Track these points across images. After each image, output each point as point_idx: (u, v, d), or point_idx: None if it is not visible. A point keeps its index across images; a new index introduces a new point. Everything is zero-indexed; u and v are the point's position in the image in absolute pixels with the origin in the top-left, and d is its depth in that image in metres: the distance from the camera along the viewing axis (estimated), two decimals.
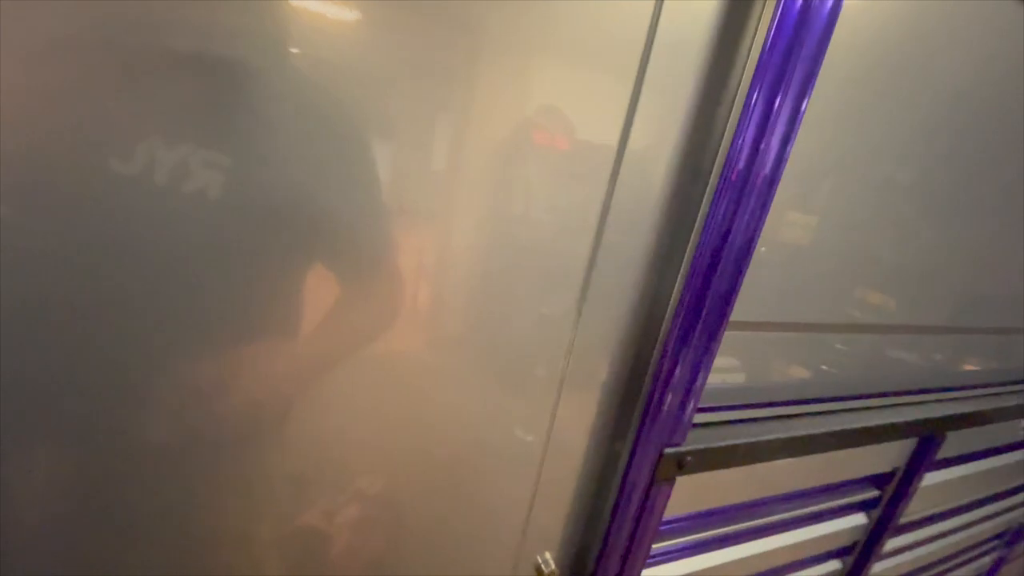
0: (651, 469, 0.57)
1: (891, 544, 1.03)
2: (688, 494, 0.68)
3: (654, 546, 0.67)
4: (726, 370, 0.65)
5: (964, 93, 0.67)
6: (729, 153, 0.48)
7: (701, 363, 0.55)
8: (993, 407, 0.95)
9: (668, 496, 0.61)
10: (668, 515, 0.66)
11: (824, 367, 0.76)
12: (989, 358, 0.99)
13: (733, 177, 0.48)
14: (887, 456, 0.90)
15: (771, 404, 0.71)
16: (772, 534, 0.85)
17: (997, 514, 1.32)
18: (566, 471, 0.59)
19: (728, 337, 0.57)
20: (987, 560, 1.48)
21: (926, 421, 0.86)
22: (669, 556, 0.71)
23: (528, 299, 0.49)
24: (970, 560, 1.40)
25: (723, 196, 0.49)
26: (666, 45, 0.46)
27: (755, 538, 0.81)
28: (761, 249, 0.58)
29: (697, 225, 0.51)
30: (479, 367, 0.50)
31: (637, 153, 0.48)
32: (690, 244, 0.51)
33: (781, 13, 0.45)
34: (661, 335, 0.54)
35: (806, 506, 0.85)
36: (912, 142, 0.65)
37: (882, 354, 0.81)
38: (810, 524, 0.88)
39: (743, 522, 0.78)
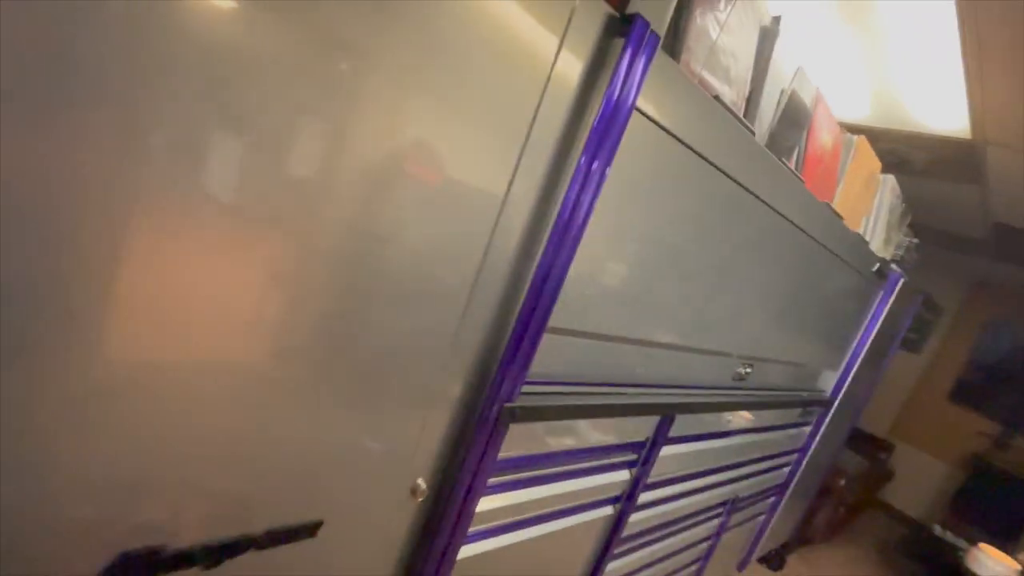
0: (495, 417, 0.91)
1: (644, 497, 1.50)
2: (516, 445, 1.03)
3: (491, 480, 1.00)
4: (547, 359, 1.02)
5: (711, 194, 1.15)
6: (562, 203, 0.85)
7: (531, 349, 0.91)
8: (706, 402, 1.48)
9: (502, 437, 0.94)
10: (503, 456, 1.00)
11: (605, 362, 1.18)
12: (707, 369, 1.53)
13: (561, 222, 0.85)
14: (641, 429, 1.36)
15: (573, 383, 1.10)
16: (566, 479, 1.24)
17: (715, 486, 1.90)
18: (439, 421, 0.90)
19: (548, 338, 0.94)
20: (714, 523, 2.09)
21: (666, 405, 1.34)
22: (501, 489, 1.04)
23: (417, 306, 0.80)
24: (700, 523, 1.98)
25: (553, 236, 0.86)
26: (544, 118, 0.80)
27: (555, 481, 1.19)
28: (574, 275, 0.97)
29: (537, 256, 0.87)
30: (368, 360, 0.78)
31: (515, 198, 0.82)
32: (532, 269, 0.86)
33: (603, 105, 0.82)
34: (508, 331, 0.88)
35: (590, 461, 1.26)
36: (676, 219, 1.11)
37: (643, 357, 1.27)
38: (592, 475, 1.29)
39: (548, 468, 1.15)
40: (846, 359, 2.51)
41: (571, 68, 0.80)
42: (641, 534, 1.59)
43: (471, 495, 0.95)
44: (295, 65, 0.55)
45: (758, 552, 2.79)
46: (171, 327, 0.56)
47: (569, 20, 0.76)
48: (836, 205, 1.76)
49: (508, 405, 0.92)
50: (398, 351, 0.78)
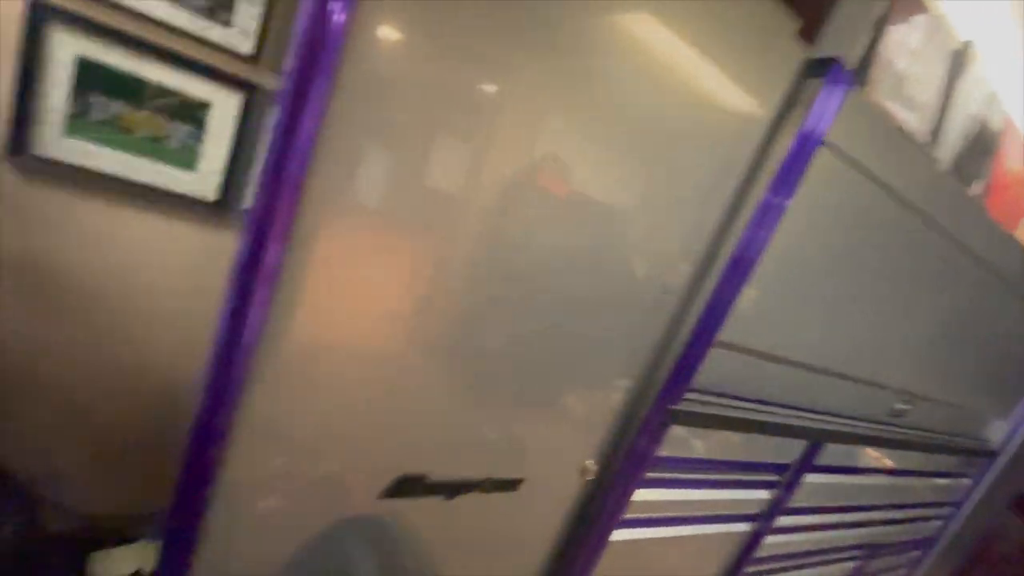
0: (660, 417, 1.00)
1: (780, 521, 1.49)
2: (672, 447, 1.11)
3: (647, 475, 1.09)
4: (710, 371, 1.09)
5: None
6: (744, 233, 0.93)
7: (698, 360, 0.99)
8: (857, 434, 1.44)
9: (663, 435, 1.03)
10: (660, 454, 1.08)
11: (763, 380, 1.21)
12: (863, 400, 1.49)
13: (741, 246, 0.93)
14: (787, 451, 1.37)
15: (730, 396, 1.16)
16: (710, 488, 1.29)
17: (855, 525, 1.81)
18: (612, 413, 1.01)
19: (714, 352, 1.02)
20: (848, 566, 1.98)
21: (817, 431, 1.33)
22: (654, 484, 1.13)
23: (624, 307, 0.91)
24: (833, 561, 1.89)
25: (732, 259, 0.93)
26: (732, 157, 0.89)
27: (700, 487, 1.24)
28: (746, 295, 1.03)
29: (714, 276, 0.95)
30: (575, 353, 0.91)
31: (699, 226, 0.92)
32: (708, 289, 0.95)
33: (795, 142, 0.89)
34: (680, 342, 0.97)
35: (734, 474, 1.30)
36: (850, 247, 1.13)
37: (799, 379, 1.28)
38: (734, 488, 1.33)
39: (696, 473, 1.21)
40: (1020, 409, 2.24)
41: (763, 108, 0.88)
42: (773, 558, 1.58)
43: (630, 483, 1.05)
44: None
45: None
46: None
47: (766, 65, 0.84)
48: (1021, 234, 1.61)
49: (672, 408, 1.00)
50: (588, 352, 0.91)
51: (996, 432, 2.27)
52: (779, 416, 1.26)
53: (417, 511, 0.83)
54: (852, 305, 1.23)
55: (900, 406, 1.62)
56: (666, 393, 0.99)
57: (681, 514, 1.25)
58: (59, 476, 1.21)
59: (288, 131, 0.56)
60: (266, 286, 0.61)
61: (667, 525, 1.22)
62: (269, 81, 1.14)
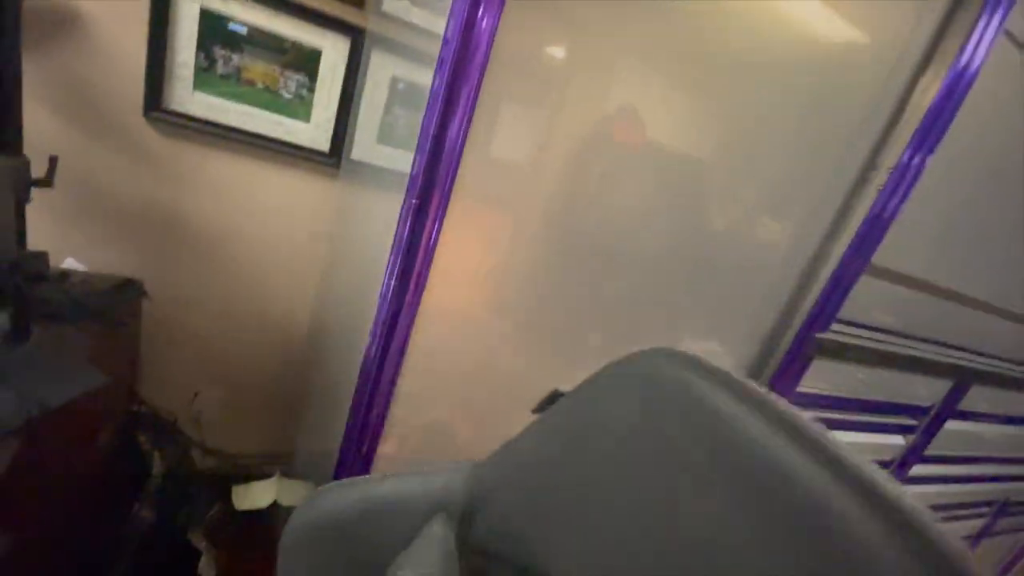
0: (806, 346, 0.93)
1: (916, 470, 1.39)
2: (813, 382, 1.05)
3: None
4: (857, 302, 1.01)
5: None
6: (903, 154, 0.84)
7: (848, 287, 0.91)
8: (1011, 376, 1.31)
9: (807, 367, 0.97)
10: (801, 390, 1.02)
11: (910, 312, 1.11)
12: (1017, 339, 1.35)
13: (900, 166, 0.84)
14: (928, 392, 1.26)
15: (875, 328, 1.07)
16: (846, 430, 1.21)
17: (993, 478, 1.68)
18: (753, 343, 0.95)
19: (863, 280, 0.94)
20: (975, 524, 1.84)
21: (964, 369, 1.22)
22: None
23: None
24: (960, 518, 1.76)
25: (891, 178, 0.85)
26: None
27: (835, 429, 1.17)
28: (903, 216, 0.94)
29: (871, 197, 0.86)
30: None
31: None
32: (866, 207, 0.86)
33: (944, 86, 0.80)
34: (829, 268, 0.90)
35: (871, 416, 1.22)
36: None
37: (947, 312, 1.17)
38: (868, 432, 1.24)
39: (834, 412, 1.14)
40: None
41: (911, 43, 0.78)
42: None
43: None
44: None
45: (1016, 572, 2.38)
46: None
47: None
48: None
49: (820, 336, 0.94)
50: (736, 284, 0.86)
51: None
52: (926, 352, 1.16)
53: None
54: (1015, 226, 1.10)
55: None
56: (813, 321, 0.92)
57: None
58: (204, 420, 1.30)
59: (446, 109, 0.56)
60: (427, 248, 0.62)
61: None
62: (374, 23, 1.13)
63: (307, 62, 1.12)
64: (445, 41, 0.56)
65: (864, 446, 1.26)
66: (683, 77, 0.70)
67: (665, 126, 0.72)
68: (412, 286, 0.65)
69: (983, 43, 0.80)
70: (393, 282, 0.64)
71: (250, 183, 1.17)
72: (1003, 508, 1.86)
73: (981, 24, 0.78)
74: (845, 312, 1.02)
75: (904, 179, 0.85)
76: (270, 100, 1.13)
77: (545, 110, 0.66)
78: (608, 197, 0.73)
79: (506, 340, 0.77)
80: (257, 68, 1.10)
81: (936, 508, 1.63)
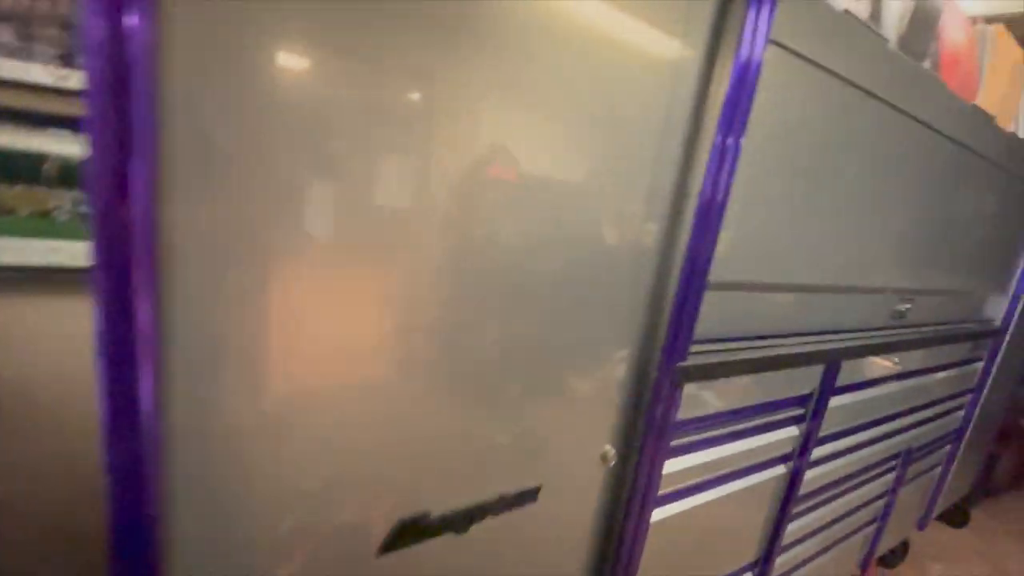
0: (670, 378, 0.90)
1: (816, 453, 1.42)
2: (690, 408, 1.02)
3: (673, 443, 1.00)
4: (710, 317, 1.00)
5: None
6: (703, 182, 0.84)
7: (695, 308, 0.90)
8: (868, 345, 1.37)
9: (678, 398, 0.94)
10: (681, 418, 0.99)
11: (765, 313, 1.13)
12: (866, 309, 1.42)
13: (708, 181, 0.84)
14: (806, 381, 1.29)
15: (736, 339, 1.07)
16: (738, 440, 1.20)
17: (887, 436, 1.76)
18: (618, 390, 0.91)
19: (709, 296, 0.93)
20: (889, 478, 1.93)
21: (830, 352, 1.26)
22: (683, 451, 1.04)
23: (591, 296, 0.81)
24: (874, 478, 1.84)
25: (702, 200, 0.84)
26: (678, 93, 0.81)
27: (728, 442, 1.16)
28: (727, 229, 0.95)
29: (688, 221, 0.86)
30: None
31: (657, 168, 0.83)
32: (684, 235, 0.85)
33: (733, 78, 0.81)
34: (671, 295, 0.88)
35: (758, 418, 1.22)
36: (821, 148, 1.05)
37: (801, 304, 1.20)
38: (761, 433, 1.25)
39: (721, 428, 1.13)
40: (1015, 280, 2.22)
41: (693, 44, 0.79)
42: (817, 492, 1.51)
43: (656, 457, 0.96)
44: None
45: (938, 508, 2.54)
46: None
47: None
48: (981, 104, 1.57)
49: (681, 365, 0.91)
50: (580, 332, 0.81)
51: (997, 310, 2.25)
52: (790, 347, 1.18)
53: (429, 557, 0.72)
54: (833, 212, 1.16)
55: (901, 307, 1.56)
56: (670, 351, 0.89)
57: (716, 474, 1.16)
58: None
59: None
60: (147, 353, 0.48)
61: (705, 490, 1.13)
62: None
63: (77, 174, 0.98)
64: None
65: (764, 447, 1.26)
66: (521, 103, 0.65)
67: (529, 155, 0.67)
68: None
69: (758, 37, 0.81)
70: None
71: (28, 320, 1.00)
72: (908, 456, 1.97)
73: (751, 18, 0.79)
74: (705, 330, 1.01)
75: (716, 193, 0.85)
76: (41, 226, 0.97)
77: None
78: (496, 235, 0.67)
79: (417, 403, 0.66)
80: (16, 192, 0.94)
81: (846, 478, 1.69)
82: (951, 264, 1.71)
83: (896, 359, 1.61)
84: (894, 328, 1.58)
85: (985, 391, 2.35)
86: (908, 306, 1.59)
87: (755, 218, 0.98)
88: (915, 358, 1.75)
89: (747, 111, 0.84)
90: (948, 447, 2.36)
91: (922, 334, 1.69)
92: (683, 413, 1.01)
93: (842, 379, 1.40)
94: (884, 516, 2.01)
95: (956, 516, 2.98)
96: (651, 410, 0.91)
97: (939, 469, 2.38)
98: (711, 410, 1.10)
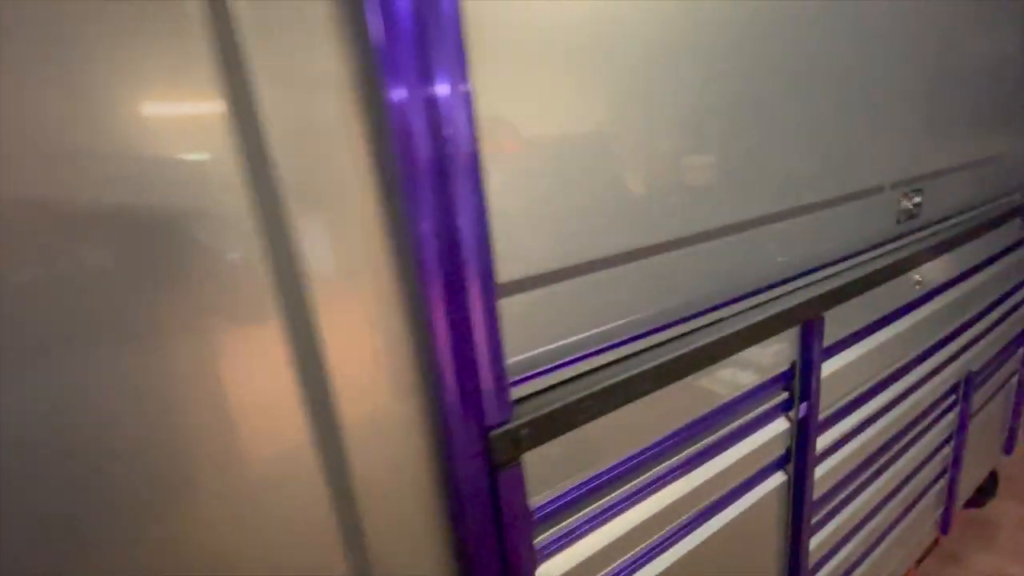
0: (483, 459, 0.53)
1: (826, 439, 1.01)
2: (568, 464, 0.65)
3: (539, 538, 0.62)
4: (551, 324, 0.62)
5: None
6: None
7: (491, 331, 0.51)
8: (865, 275, 0.94)
9: (520, 480, 0.56)
10: (541, 499, 0.62)
11: (665, 290, 0.73)
12: (854, 223, 0.99)
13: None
14: (781, 353, 0.89)
15: (619, 344, 0.68)
16: (702, 462, 0.82)
17: (933, 373, 1.32)
18: (418, 516, 0.54)
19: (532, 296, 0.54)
20: (951, 417, 1.49)
21: (801, 306, 0.84)
22: (568, 539, 0.66)
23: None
24: (929, 427, 1.40)
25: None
26: None
27: (678, 477, 0.77)
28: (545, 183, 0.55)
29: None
30: None
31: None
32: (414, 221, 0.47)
33: None
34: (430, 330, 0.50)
35: (725, 424, 0.83)
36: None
37: (724, 260, 0.80)
38: (737, 442, 0.85)
39: (654, 466, 0.74)
40: None
41: None
42: (845, 482, 1.10)
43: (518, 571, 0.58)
44: None
45: None
46: None
47: None
48: None
49: (495, 433, 0.53)
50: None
51: None
52: (737, 315, 0.78)
53: None
54: (773, 102, 0.74)
55: (909, 204, 1.12)
56: (462, 432, 0.51)
57: (677, 523, 0.78)
58: None
59: None
60: None
61: (663, 550, 0.76)
62: None
63: None
64: None
65: (753, 454, 0.87)
66: None
67: None
68: None
69: None
70: None
71: None
72: (970, 382, 1.52)
73: None
74: (558, 335, 0.62)
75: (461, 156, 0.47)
76: None
77: None
78: None
79: None
80: None
81: (886, 445, 1.26)
82: (964, 128, 1.24)
83: (918, 276, 1.16)
84: (905, 235, 1.14)
85: None
86: (918, 200, 1.14)
87: (618, 142, 0.59)
88: (947, 264, 1.30)
89: None
90: (1022, 349, 1.88)
91: (948, 231, 1.23)
92: (569, 472, 0.63)
93: (839, 330, 0.99)
94: (955, 463, 1.57)
95: None
96: (465, 517, 0.54)
97: (1015, 378, 1.90)
98: (627, 449, 0.72)
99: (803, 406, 0.92)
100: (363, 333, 0.48)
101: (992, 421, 1.83)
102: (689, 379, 0.74)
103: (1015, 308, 1.75)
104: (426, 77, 0.43)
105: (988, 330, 1.57)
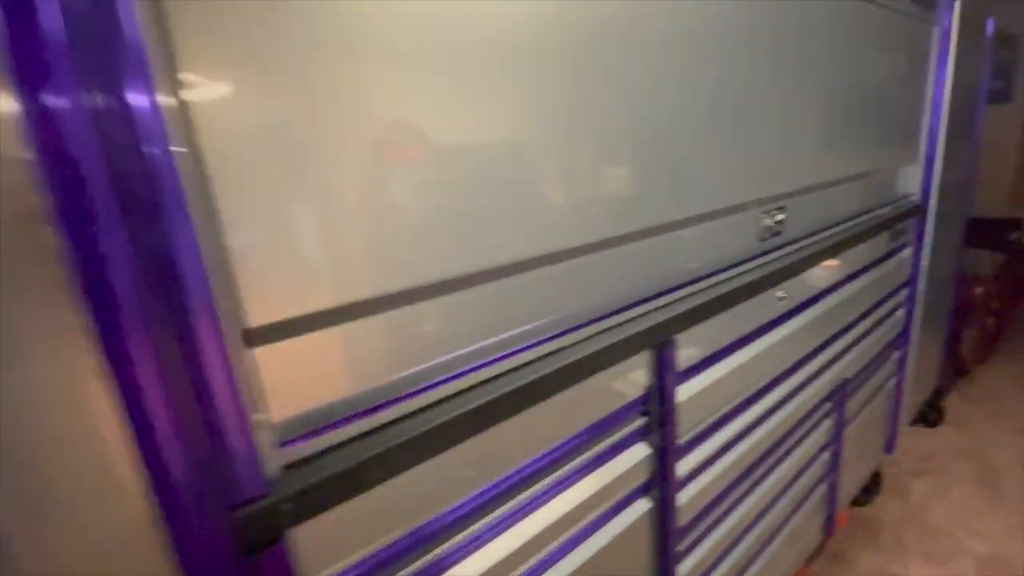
0: (228, 544, 0.44)
1: (691, 461, 0.99)
2: (381, 521, 0.57)
3: None
4: (332, 375, 0.54)
5: None
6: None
7: (226, 384, 0.43)
8: (719, 294, 0.93)
9: (284, 562, 0.48)
10: (337, 570, 0.54)
11: (500, 320, 0.67)
12: (708, 244, 0.98)
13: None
14: (634, 379, 0.85)
15: (441, 382, 0.62)
16: (546, 502, 0.77)
17: (806, 383, 1.35)
18: None
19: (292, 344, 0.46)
20: (827, 425, 1.54)
21: (643, 334, 0.81)
22: None
23: None
24: (804, 437, 1.44)
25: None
26: None
27: (527, 515, 0.72)
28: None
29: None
30: None
31: None
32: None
33: None
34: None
35: (574, 457, 0.78)
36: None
37: (571, 282, 0.75)
38: (590, 473, 0.81)
39: (498, 505, 0.68)
40: (922, 142, 1.82)
41: None
42: (716, 501, 1.09)
43: None
44: None
45: (904, 420, 2.20)
46: None
47: None
48: None
49: (245, 512, 0.45)
50: None
51: (912, 182, 1.86)
52: (596, 336, 0.73)
53: None
54: (653, 121, 0.70)
55: (771, 221, 1.13)
56: (203, 495, 0.43)
57: (524, 567, 0.72)
58: None
59: None
60: None
61: None
62: None
63: None
64: None
65: (613, 483, 0.82)
66: None
67: None
68: None
69: None
70: None
71: None
72: (844, 390, 1.58)
73: None
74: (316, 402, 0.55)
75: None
76: None
77: None
78: None
79: None
80: None
81: (763, 459, 1.28)
82: (833, 141, 1.29)
83: (781, 292, 1.18)
84: (768, 252, 1.15)
85: (922, 279, 1.98)
86: (780, 217, 1.16)
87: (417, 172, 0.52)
88: (815, 278, 1.34)
89: None
90: (896, 353, 1.99)
91: (812, 246, 1.27)
92: (368, 536, 0.56)
93: (707, 345, 0.97)
94: (834, 468, 1.63)
95: (930, 414, 2.66)
96: None
97: (892, 381, 2.02)
98: (461, 491, 0.65)
99: (663, 430, 0.90)
100: (51, 410, 0.38)
101: (873, 422, 1.92)
102: (532, 411, 0.69)
103: (889, 315, 1.85)
104: (95, 83, 0.35)
105: (861, 338, 1.64)
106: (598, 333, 0.79)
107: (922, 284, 1.99)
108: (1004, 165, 4.20)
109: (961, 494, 2.18)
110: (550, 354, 0.73)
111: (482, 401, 0.62)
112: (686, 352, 0.92)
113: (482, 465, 0.68)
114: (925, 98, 1.77)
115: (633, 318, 0.84)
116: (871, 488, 2.13)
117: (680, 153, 0.86)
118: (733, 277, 1.02)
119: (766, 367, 1.17)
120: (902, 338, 1.99)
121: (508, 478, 0.72)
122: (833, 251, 1.33)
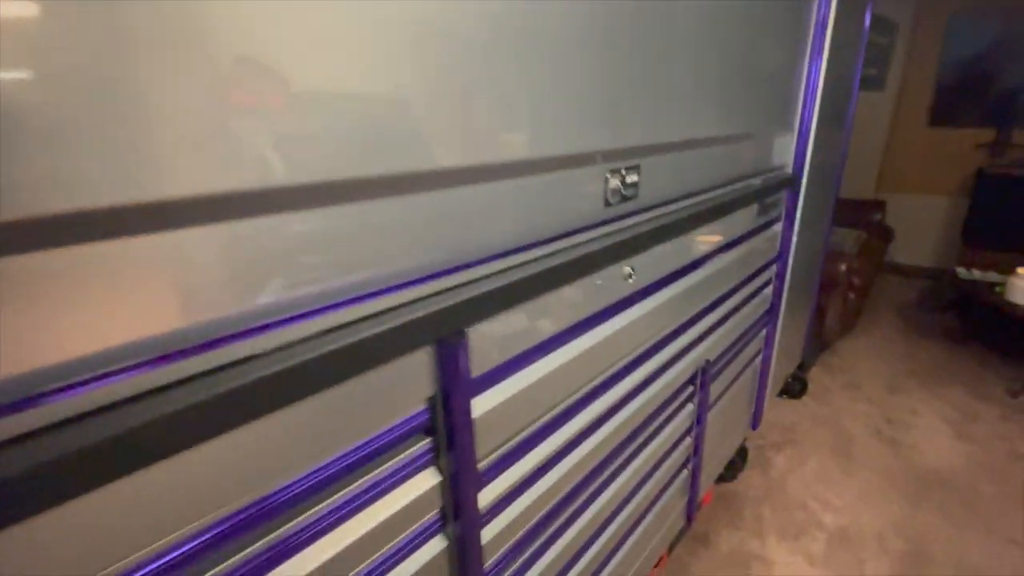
0: None
1: (502, 484, 0.79)
2: None
3: None
4: None
5: None
6: None
7: None
8: (528, 276, 0.71)
9: None
10: None
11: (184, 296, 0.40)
12: (526, 207, 0.76)
13: None
14: (407, 389, 0.62)
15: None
16: (294, 552, 0.52)
17: (662, 369, 1.21)
18: None
19: None
20: (689, 409, 1.43)
21: (421, 322, 0.57)
22: None
23: None
24: (663, 423, 1.31)
25: None
26: None
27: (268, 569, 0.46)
28: None
29: None
30: None
31: None
32: None
33: None
34: None
35: (335, 490, 0.53)
36: None
37: (310, 245, 0.49)
38: (354, 515, 0.57)
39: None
40: (798, 113, 1.74)
41: None
42: (537, 530, 0.90)
43: None
44: None
45: (769, 393, 2.20)
46: None
47: None
48: None
49: None
50: None
51: (785, 153, 1.77)
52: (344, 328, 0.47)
53: None
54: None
55: (616, 183, 0.93)
56: None
57: None
58: None
59: None
60: None
61: None
62: None
63: None
64: None
65: (389, 524, 0.58)
66: None
67: None
68: None
69: None
70: None
71: None
72: (706, 372, 1.47)
73: None
74: None
75: None
76: None
77: None
78: None
79: None
80: None
81: (609, 457, 1.09)
82: (704, 101, 1.11)
83: (628, 268, 1.00)
84: (618, 218, 0.95)
85: (791, 254, 1.94)
86: (633, 178, 0.96)
87: None
88: (672, 254, 1.17)
89: None
90: (764, 331, 1.96)
91: (673, 214, 1.09)
92: None
93: (512, 341, 0.76)
94: (696, 452, 1.54)
95: (794, 386, 2.75)
96: None
97: (759, 359, 1.99)
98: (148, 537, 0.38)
99: (451, 455, 0.67)
100: None
101: (739, 400, 1.88)
102: (268, 425, 0.43)
103: (758, 291, 1.79)
104: None
105: (727, 316, 1.54)
106: (357, 321, 0.54)
107: (792, 260, 1.95)
108: (872, 151, 4.47)
109: (817, 465, 2.24)
110: (279, 348, 0.48)
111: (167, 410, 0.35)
112: (487, 350, 0.69)
113: (173, 502, 0.41)
114: (801, 64, 1.68)
115: (409, 302, 0.60)
116: (735, 463, 2.12)
117: (494, 69, 0.61)
118: (563, 250, 0.81)
119: (607, 359, 0.99)
120: (771, 314, 1.95)
121: (256, 505, 0.46)
122: (696, 221, 1.17)
